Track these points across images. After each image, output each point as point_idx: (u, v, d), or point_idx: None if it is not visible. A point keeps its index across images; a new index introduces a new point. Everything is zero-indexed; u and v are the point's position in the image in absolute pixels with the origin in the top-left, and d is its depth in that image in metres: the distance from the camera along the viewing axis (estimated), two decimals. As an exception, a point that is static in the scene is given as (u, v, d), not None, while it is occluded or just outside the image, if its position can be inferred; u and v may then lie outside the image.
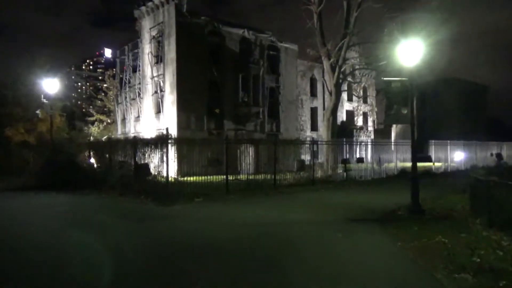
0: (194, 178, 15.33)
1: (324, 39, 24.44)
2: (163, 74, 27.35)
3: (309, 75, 41.03)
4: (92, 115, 38.73)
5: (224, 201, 14.06)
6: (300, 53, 34.54)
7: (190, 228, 9.24)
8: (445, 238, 7.60)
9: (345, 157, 21.77)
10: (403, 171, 24.69)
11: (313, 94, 42.19)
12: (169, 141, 14.12)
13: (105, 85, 38.16)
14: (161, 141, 14.29)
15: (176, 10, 26.30)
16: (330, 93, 25.02)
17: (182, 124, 25.95)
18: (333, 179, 20.39)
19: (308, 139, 25.27)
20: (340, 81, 25.25)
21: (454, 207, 11.48)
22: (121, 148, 17.12)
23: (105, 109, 38.74)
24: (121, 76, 33.40)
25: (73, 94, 39.64)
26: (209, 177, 15.68)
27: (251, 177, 17.30)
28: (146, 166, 16.38)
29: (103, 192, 15.75)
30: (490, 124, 59.58)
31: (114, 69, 35.73)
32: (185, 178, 15.70)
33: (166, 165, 13.93)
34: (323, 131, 24.94)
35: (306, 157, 20.32)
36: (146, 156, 15.65)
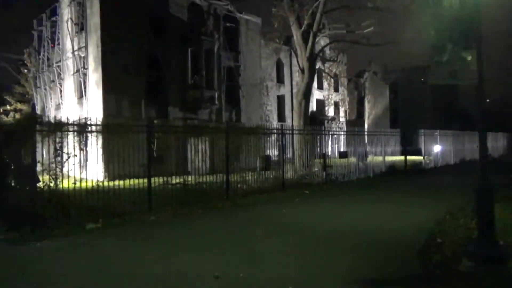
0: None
1: (294, 2, 19.10)
2: (86, 46, 20.86)
3: (275, 58, 35.67)
4: (10, 104, 31.36)
5: (138, 229, 8.34)
6: (264, 32, 28.93)
7: None
8: None
9: (324, 151, 16.55)
10: (391, 167, 20.01)
11: (280, 80, 36.92)
12: (36, 127, 8.09)
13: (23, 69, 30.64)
14: (22, 129, 8.23)
15: (101, -39, 19.87)
16: (302, 71, 19.69)
17: (110, 110, 19.61)
18: (309, 180, 15.18)
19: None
20: (314, 55, 20.06)
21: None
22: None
23: (27, 96, 31.47)
24: (38, 52, 26.39)
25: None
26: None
27: (201, 179, 12.00)
28: (28, 168, 10.29)
29: None
30: (462, 114, 57.11)
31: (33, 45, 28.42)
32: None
33: (33, 167, 7.99)
34: (294, 119, 19.62)
35: (273, 152, 15.00)
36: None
